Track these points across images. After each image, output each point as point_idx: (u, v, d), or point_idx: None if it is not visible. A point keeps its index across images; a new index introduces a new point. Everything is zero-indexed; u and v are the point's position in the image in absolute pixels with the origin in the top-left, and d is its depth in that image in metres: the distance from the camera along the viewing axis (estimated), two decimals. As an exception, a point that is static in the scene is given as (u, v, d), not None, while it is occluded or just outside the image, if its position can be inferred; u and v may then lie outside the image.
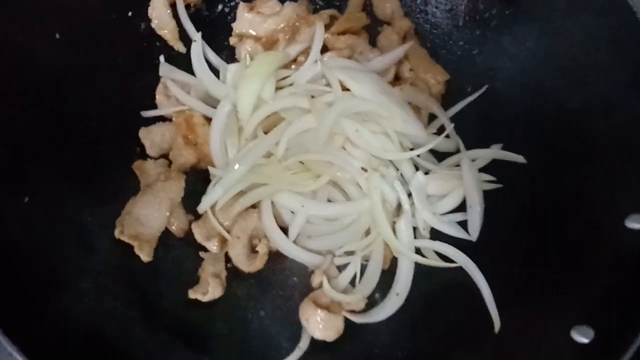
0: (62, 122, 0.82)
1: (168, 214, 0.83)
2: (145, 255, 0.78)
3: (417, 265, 0.85)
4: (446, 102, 0.98)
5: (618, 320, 0.70)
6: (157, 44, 0.95)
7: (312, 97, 0.87)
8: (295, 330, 0.80)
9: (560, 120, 0.88)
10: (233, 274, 0.83)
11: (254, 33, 0.97)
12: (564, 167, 0.85)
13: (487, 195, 0.88)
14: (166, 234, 0.84)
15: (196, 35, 0.95)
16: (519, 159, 0.90)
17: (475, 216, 0.87)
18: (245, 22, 0.97)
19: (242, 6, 0.97)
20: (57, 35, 0.83)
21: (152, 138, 0.88)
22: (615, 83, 0.82)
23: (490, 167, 0.92)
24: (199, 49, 0.94)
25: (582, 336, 0.70)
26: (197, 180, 0.88)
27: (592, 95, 0.84)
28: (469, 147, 0.94)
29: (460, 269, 0.84)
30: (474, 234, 0.87)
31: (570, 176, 0.83)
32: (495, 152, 0.93)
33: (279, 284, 0.85)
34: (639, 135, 0.78)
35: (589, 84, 0.85)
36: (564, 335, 0.71)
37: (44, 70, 0.81)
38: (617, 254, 0.75)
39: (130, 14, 0.92)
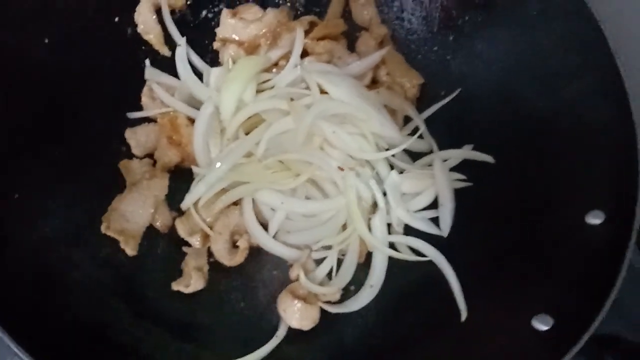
0: (52, 121, 0.85)
1: (152, 210, 0.86)
2: (130, 249, 0.82)
3: (391, 259, 0.89)
4: (421, 104, 1.02)
5: (575, 309, 0.74)
6: (143, 47, 0.98)
7: (292, 99, 0.91)
8: (274, 320, 0.83)
9: (529, 122, 0.92)
10: (215, 268, 0.86)
11: (236, 38, 1.00)
12: (531, 167, 0.89)
13: (458, 193, 0.92)
14: (151, 229, 0.87)
15: (181, 40, 0.98)
16: (488, 158, 0.95)
17: (446, 213, 0.91)
18: (228, 27, 1.01)
19: (225, 12, 1.01)
20: (46, 40, 0.86)
21: (137, 138, 0.92)
22: (581, 88, 0.86)
23: (462, 167, 0.96)
24: (183, 53, 0.98)
25: (542, 324, 0.74)
26: (181, 178, 0.92)
27: (559, 99, 0.89)
28: (441, 147, 0.98)
29: (430, 262, 0.88)
30: (445, 230, 0.91)
31: (537, 176, 0.87)
32: (465, 152, 0.97)
33: (259, 277, 0.88)
34: (601, 138, 0.83)
35: (557, 88, 0.89)
36: (525, 323, 0.75)
37: (34, 72, 0.84)
38: (576, 248, 0.79)
39: (117, 19, 0.96)
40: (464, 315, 0.82)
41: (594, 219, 0.79)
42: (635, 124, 0.80)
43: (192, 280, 0.81)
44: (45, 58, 0.86)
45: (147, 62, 0.97)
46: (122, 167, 0.89)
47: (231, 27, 1.01)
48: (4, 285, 0.68)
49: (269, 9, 1.02)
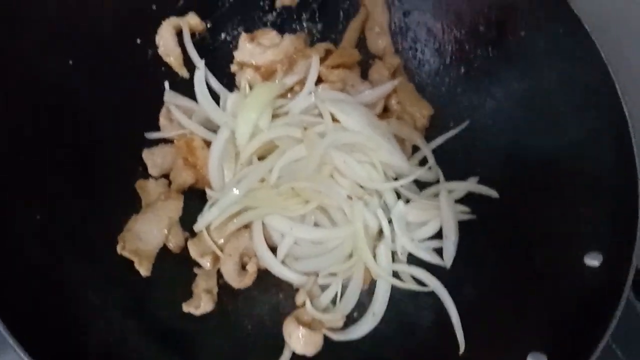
0: (71, 140, 0.87)
1: (166, 231, 0.89)
2: (144, 270, 0.85)
3: (394, 288, 0.92)
4: (429, 135, 1.05)
5: (570, 348, 0.76)
6: (163, 69, 1.01)
7: (305, 128, 0.94)
8: (279, 344, 0.86)
9: (533, 159, 0.95)
10: (224, 289, 0.89)
11: (253, 62, 1.03)
12: (533, 204, 0.92)
13: (461, 225, 0.95)
14: (163, 249, 0.90)
15: (200, 63, 1.01)
16: (492, 193, 0.98)
17: (449, 245, 0.94)
18: (246, 51, 1.03)
19: (243, 36, 1.04)
20: (70, 62, 0.89)
21: (154, 159, 0.95)
22: (586, 128, 0.89)
23: (465, 199, 0.99)
24: (201, 76, 1.00)
25: (535, 362, 0.78)
26: (194, 199, 0.94)
27: (564, 137, 0.91)
28: (448, 178, 1.01)
29: (432, 293, 0.91)
30: (448, 261, 0.94)
31: (538, 213, 0.90)
32: (471, 185, 1.00)
33: (266, 300, 0.91)
34: (603, 180, 0.85)
35: (562, 126, 0.92)
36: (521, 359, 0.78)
37: (57, 92, 0.86)
38: (574, 288, 0.81)
39: (139, 41, 0.99)
40: (462, 348, 0.85)
41: (592, 260, 0.81)
42: (637, 168, 0.83)
43: (202, 302, 0.84)
44: (68, 79, 0.88)
45: (167, 84, 1.00)
46: (139, 187, 0.92)
47: (249, 51, 1.03)
48: (17, 300, 0.70)
49: (286, 35, 1.05)
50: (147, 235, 0.88)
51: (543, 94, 0.96)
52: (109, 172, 0.91)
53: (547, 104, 0.95)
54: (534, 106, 0.98)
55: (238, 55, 1.04)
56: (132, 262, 0.85)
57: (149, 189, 0.92)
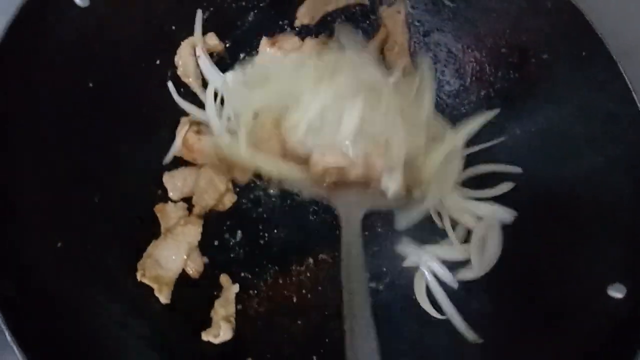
0: (90, 162, 0.87)
1: (186, 257, 0.89)
2: (164, 297, 0.84)
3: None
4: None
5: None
6: (182, 90, 1.01)
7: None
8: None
9: (551, 187, 0.94)
10: (242, 316, 0.89)
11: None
12: (554, 235, 0.90)
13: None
14: (180, 276, 0.89)
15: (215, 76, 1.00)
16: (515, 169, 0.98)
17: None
18: (266, 56, 1.03)
19: (264, 41, 1.03)
20: (90, 84, 0.89)
21: (174, 182, 0.94)
22: (607, 158, 0.88)
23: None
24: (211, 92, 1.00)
25: (557, 398, 0.77)
26: (213, 223, 0.95)
27: (584, 167, 0.90)
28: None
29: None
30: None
31: (559, 244, 0.89)
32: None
33: (283, 326, 0.91)
34: (622, 210, 0.84)
35: (582, 156, 0.91)
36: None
37: (78, 116, 0.86)
38: (597, 320, 0.81)
39: (158, 62, 0.99)
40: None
41: (616, 292, 0.81)
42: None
43: (221, 331, 0.84)
44: (88, 102, 0.88)
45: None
46: (158, 212, 0.92)
47: (269, 56, 1.02)
48: (35, 330, 0.69)
49: (307, 39, 1.05)
50: (166, 261, 0.87)
51: (564, 120, 0.95)
52: (129, 197, 0.90)
53: (568, 130, 0.94)
54: (553, 132, 0.96)
55: (259, 59, 1.03)
56: (151, 291, 0.84)
57: (169, 212, 0.92)
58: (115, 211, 0.88)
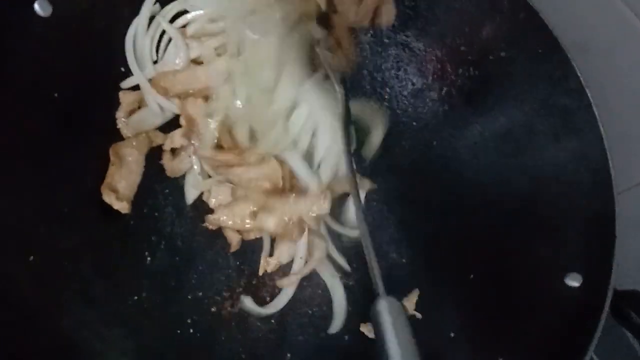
0: (58, 176, 0.87)
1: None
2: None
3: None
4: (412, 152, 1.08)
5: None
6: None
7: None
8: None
9: (514, 181, 0.97)
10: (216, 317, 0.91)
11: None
12: (516, 227, 0.94)
13: (442, 249, 0.98)
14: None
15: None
16: None
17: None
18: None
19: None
20: (56, 94, 0.88)
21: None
22: (565, 151, 0.91)
23: (442, 219, 1.02)
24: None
25: (514, 383, 0.81)
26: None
27: (543, 161, 0.94)
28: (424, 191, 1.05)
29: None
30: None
31: (518, 236, 0.93)
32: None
33: (256, 326, 0.93)
34: (582, 203, 0.88)
35: (541, 149, 0.94)
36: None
37: (43, 127, 0.86)
38: (555, 309, 0.85)
39: (122, 69, 0.99)
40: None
41: (573, 281, 0.84)
42: (614, 191, 0.85)
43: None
44: (54, 112, 0.88)
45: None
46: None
47: None
48: (11, 344, 0.71)
49: None
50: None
51: (523, 115, 0.98)
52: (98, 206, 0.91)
53: (527, 125, 0.97)
54: (513, 127, 0.99)
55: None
56: (128, 298, 0.86)
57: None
58: (88, 218, 0.88)
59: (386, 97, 1.12)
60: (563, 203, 0.90)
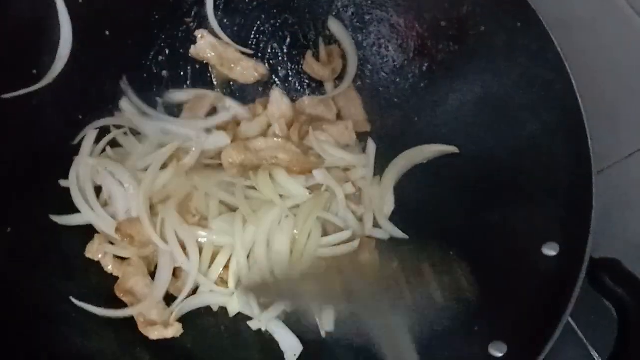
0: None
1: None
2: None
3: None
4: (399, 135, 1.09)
5: (529, 336, 0.80)
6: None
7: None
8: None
9: (495, 153, 0.98)
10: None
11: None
12: (496, 198, 0.95)
13: (419, 218, 1.00)
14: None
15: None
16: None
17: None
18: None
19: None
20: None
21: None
22: (544, 124, 0.91)
23: (428, 198, 1.03)
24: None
25: (497, 351, 0.81)
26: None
27: (523, 133, 0.94)
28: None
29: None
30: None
31: (497, 207, 0.94)
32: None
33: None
34: (559, 174, 0.88)
35: (520, 122, 0.94)
36: (482, 350, 0.82)
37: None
38: (532, 278, 0.85)
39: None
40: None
41: (550, 250, 0.85)
42: (591, 162, 0.86)
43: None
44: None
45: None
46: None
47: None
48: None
49: None
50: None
51: (503, 89, 0.98)
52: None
53: (507, 99, 0.97)
54: (493, 101, 0.99)
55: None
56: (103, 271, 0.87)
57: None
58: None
59: (367, 74, 1.13)
60: (541, 174, 0.91)
